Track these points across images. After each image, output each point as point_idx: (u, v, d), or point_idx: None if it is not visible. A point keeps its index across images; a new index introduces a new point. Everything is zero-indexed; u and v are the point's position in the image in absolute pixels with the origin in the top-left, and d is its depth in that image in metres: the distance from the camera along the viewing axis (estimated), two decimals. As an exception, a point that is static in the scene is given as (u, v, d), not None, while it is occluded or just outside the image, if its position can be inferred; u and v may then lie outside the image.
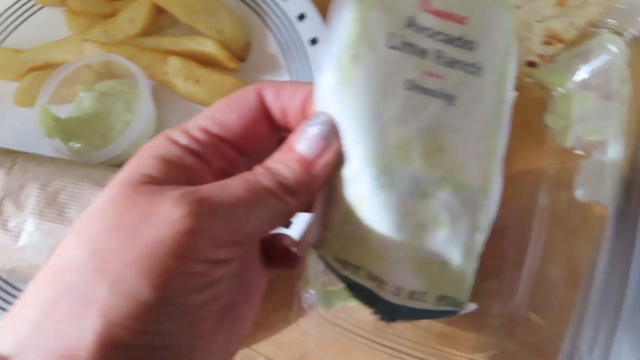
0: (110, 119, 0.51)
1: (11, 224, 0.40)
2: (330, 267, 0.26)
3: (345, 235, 0.26)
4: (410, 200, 0.25)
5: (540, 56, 0.47)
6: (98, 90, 0.52)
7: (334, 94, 0.24)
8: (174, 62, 0.51)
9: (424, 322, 0.42)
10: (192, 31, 0.53)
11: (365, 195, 0.25)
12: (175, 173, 0.23)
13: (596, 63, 0.45)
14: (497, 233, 0.47)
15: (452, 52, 0.25)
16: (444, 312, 0.27)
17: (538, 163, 0.48)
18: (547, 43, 0.46)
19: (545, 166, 0.48)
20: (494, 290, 0.45)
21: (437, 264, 0.26)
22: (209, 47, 0.51)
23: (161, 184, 0.22)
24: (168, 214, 0.20)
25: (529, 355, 0.40)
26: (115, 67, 0.52)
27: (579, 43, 0.45)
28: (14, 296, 0.47)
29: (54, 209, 0.40)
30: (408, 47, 0.25)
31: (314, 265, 0.39)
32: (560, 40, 0.44)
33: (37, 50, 0.55)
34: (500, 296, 0.44)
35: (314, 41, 0.51)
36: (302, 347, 0.43)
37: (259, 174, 0.23)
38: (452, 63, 0.26)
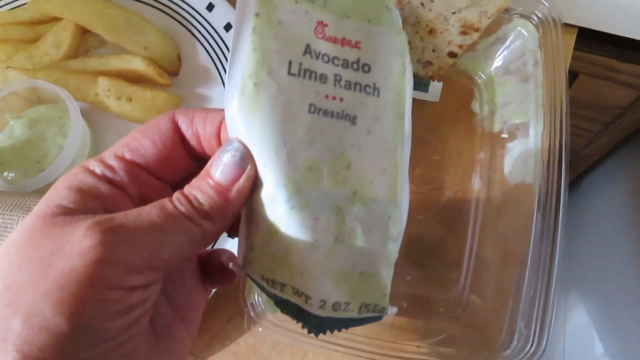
0: (44, 145, 0.50)
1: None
2: (259, 286, 0.27)
3: (268, 254, 0.26)
4: (324, 217, 0.26)
5: (459, 46, 0.48)
6: (28, 117, 0.51)
7: (241, 121, 0.25)
8: (104, 82, 0.51)
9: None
10: (120, 50, 0.53)
11: (281, 216, 0.25)
12: (90, 202, 0.23)
13: (512, 48, 0.47)
14: (439, 222, 0.49)
15: (349, 75, 0.27)
16: (368, 318, 0.28)
17: (470, 149, 0.50)
18: (464, 33, 0.48)
19: (477, 151, 0.50)
20: (439, 278, 0.46)
21: (356, 274, 0.28)
22: (137, 64, 0.51)
23: (75, 214, 0.22)
24: (79, 243, 0.20)
25: (475, 336, 0.42)
26: (43, 92, 0.51)
27: (494, 30, 0.47)
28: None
29: (-15, 243, 0.39)
30: (308, 72, 0.26)
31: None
32: (476, 30, 0.46)
33: (-39, 82, 0.53)
34: (445, 282, 0.46)
35: (243, 50, 0.51)
36: (258, 353, 0.43)
37: (175, 200, 0.23)
38: (350, 85, 0.27)
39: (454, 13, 0.46)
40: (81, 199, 0.23)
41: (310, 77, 0.27)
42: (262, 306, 0.39)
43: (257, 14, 0.26)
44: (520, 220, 0.43)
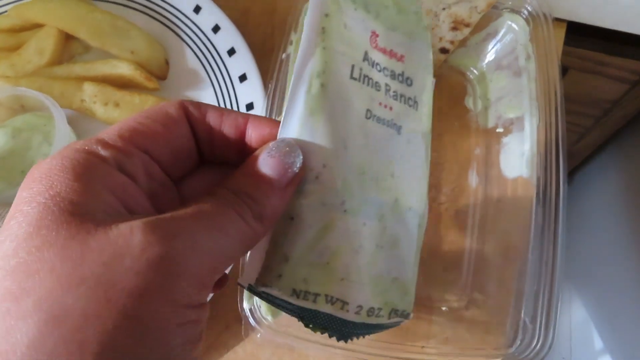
0: (28, 154, 0.48)
1: None
2: (276, 302, 0.26)
3: (307, 263, 0.25)
4: (370, 223, 0.26)
5: (451, 42, 0.48)
6: (12, 127, 0.49)
7: (303, 121, 0.24)
8: (90, 88, 0.50)
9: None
10: (106, 55, 0.52)
11: (332, 220, 0.25)
12: (107, 197, 0.18)
13: (503, 42, 0.47)
14: (437, 220, 0.48)
15: (396, 86, 0.28)
16: (393, 324, 0.29)
17: (466, 146, 0.49)
18: (454, 29, 0.48)
19: (473, 147, 0.49)
20: (440, 277, 0.45)
21: (390, 280, 0.28)
22: (123, 69, 0.50)
23: (93, 212, 0.17)
24: (143, 252, 0.16)
25: (479, 334, 0.41)
26: (27, 100, 0.49)
27: (484, 25, 0.47)
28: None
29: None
30: (366, 79, 0.27)
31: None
32: (466, 25, 0.46)
33: (-59, 92, 0.52)
34: (446, 281, 0.45)
35: (231, 52, 0.51)
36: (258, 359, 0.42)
37: (229, 198, 0.20)
38: (397, 96, 0.28)
39: (444, 9, 0.46)
40: (93, 192, 0.18)
41: (368, 84, 0.27)
42: (261, 311, 0.38)
43: (327, 15, 0.26)
44: (519, 215, 0.43)
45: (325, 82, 0.25)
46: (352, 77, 0.26)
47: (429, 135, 0.30)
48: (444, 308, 0.43)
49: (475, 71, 0.50)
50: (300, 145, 0.24)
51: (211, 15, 0.52)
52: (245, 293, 0.37)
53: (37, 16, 0.51)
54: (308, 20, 0.25)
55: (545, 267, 0.38)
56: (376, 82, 0.27)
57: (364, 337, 0.28)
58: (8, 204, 0.42)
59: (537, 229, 0.39)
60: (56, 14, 0.51)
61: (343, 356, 0.39)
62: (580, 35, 0.57)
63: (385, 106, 0.27)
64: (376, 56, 0.27)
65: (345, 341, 0.27)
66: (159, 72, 0.52)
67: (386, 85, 0.27)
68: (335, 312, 0.26)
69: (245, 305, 0.37)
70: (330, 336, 0.27)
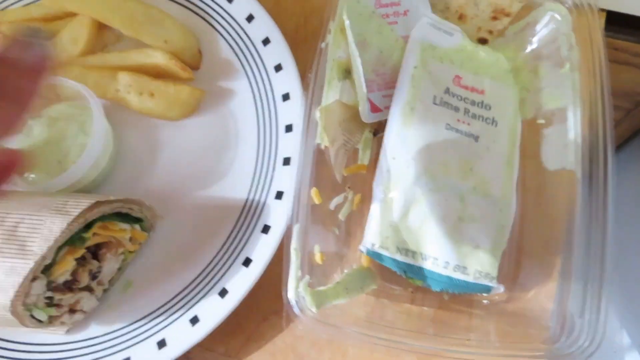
0: (64, 144, 0.48)
1: (-30, 266, 0.38)
2: (386, 260, 0.39)
3: (406, 228, 0.39)
4: (451, 200, 0.40)
5: (489, 32, 0.47)
6: (47, 116, 0.49)
7: (399, 131, 0.41)
8: (125, 78, 0.49)
9: (417, 309, 0.42)
10: (139, 45, 0.51)
11: (421, 196, 0.39)
12: None
13: (544, 32, 0.46)
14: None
15: (475, 109, 0.43)
16: (480, 286, 0.39)
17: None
18: (494, 18, 0.47)
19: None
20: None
21: (472, 247, 0.39)
22: (158, 58, 0.49)
23: None
24: None
25: (521, 328, 0.41)
26: (63, 90, 0.49)
27: (524, 15, 0.46)
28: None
29: (13, 244, 0.38)
30: (446, 104, 0.42)
31: (298, 268, 0.38)
32: (507, 14, 0.45)
33: (-25, 82, 0.52)
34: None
35: (266, 41, 0.50)
36: (296, 352, 0.42)
37: None
38: (475, 116, 0.42)
39: (485, -2, 0.45)
40: None
41: (448, 107, 0.42)
42: (306, 301, 0.37)
43: (415, 67, 0.42)
44: (561, 207, 0.42)
45: (413, 107, 0.41)
46: (434, 103, 0.42)
47: (514, 148, 0.43)
48: (485, 301, 0.43)
49: (513, 61, 0.49)
50: (396, 144, 0.41)
51: (245, 4, 0.51)
52: (290, 283, 0.37)
53: (70, 5, 0.51)
54: (402, 69, 0.42)
55: (592, 260, 0.37)
56: (455, 106, 0.42)
57: (455, 292, 0.40)
58: (50, 194, 0.41)
59: (584, 221, 0.38)
60: (90, 2, 0.51)
61: (384, 347, 0.39)
62: (617, 25, 0.56)
63: (464, 122, 0.42)
64: (457, 90, 0.43)
65: (434, 290, 0.40)
66: (192, 62, 0.52)
67: (465, 108, 0.42)
68: (429, 266, 0.39)
69: (290, 295, 0.37)
70: (426, 286, 0.40)
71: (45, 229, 0.38)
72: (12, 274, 0.37)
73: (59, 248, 0.39)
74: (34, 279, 0.38)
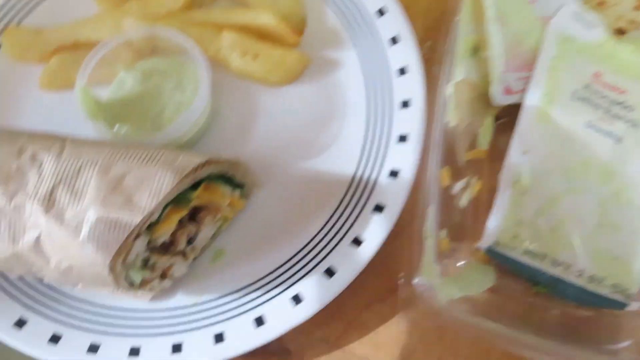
0: (160, 100, 0.45)
1: (68, 216, 0.34)
2: (508, 262, 0.36)
3: (536, 227, 0.36)
4: (590, 204, 0.36)
5: (631, 22, 0.44)
6: (141, 70, 0.46)
7: (534, 124, 0.38)
8: (229, 37, 0.46)
9: (539, 310, 0.38)
10: (234, 5, 0.48)
11: (557, 195, 0.36)
12: None
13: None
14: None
15: (617, 109, 0.39)
16: (613, 302, 0.35)
17: None
18: (637, 8, 0.43)
19: None
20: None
21: (611, 257, 0.35)
22: (267, 19, 0.46)
23: None
24: None
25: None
26: (161, 43, 0.46)
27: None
28: (61, 302, 0.41)
29: (119, 196, 0.34)
30: (586, 100, 0.39)
31: (431, 253, 0.34)
32: (657, 4, 0.42)
33: (65, 29, 0.49)
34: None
35: (381, 12, 0.47)
36: (402, 346, 0.38)
37: None
38: (617, 117, 0.39)
39: (633, -17, 0.42)
40: None
41: (588, 104, 0.39)
42: (431, 289, 0.34)
43: (554, 57, 0.40)
44: None
45: (552, 100, 0.39)
46: (573, 99, 0.39)
47: None
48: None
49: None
50: (530, 138, 0.38)
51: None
52: (424, 270, 0.34)
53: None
54: (540, 58, 0.40)
55: None
56: (596, 104, 0.39)
57: (584, 305, 0.36)
58: (150, 147, 0.38)
59: None
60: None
61: (503, 351, 0.36)
62: None
63: (605, 121, 0.38)
64: (597, 87, 0.39)
65: (560, 297, 0.36)
66: (296, 28, 0.49)
67: (606, 107, 0.39)
68: (559, 273, 0.35)
69: (423, 282, 0.33)
70: (553, 294, 0.36)
71: (155, 183, 0.35)
72: (116, 228, 0.34)
73: (165, 206, 0.36)
74: (137, 236, 0.35)
